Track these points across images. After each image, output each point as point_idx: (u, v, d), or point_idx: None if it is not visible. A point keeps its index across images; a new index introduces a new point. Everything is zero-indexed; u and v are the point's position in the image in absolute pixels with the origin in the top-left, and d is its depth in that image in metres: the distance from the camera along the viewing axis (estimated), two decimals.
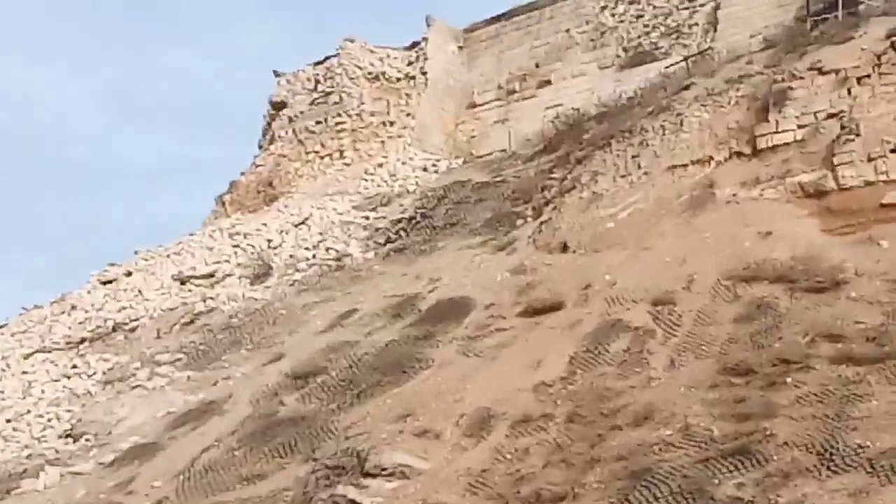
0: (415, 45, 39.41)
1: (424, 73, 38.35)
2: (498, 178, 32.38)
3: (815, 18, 29.80)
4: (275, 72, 40.89)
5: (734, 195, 23.87)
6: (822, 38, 26.68)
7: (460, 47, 39.50)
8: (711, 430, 17.59)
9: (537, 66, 37.52)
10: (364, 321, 25.89)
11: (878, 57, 24.07)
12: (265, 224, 34.62)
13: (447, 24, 39.86)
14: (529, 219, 27.85)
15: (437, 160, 36.47)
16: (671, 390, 19.08)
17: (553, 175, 28.98)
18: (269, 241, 33.36)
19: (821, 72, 24.58)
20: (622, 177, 26.18)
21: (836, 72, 24.34)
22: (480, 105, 38.49)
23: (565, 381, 20.43)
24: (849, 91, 23.94)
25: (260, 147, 40.66)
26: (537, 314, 22.96)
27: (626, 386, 19.65)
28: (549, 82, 37.05)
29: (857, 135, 22.84)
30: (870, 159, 22.50)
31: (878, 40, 24.62)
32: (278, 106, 40.07)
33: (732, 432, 17.35)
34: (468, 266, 26.72)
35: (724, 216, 23.47)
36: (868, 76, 23.96)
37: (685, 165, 25.34)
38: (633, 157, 26.37)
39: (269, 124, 40.54)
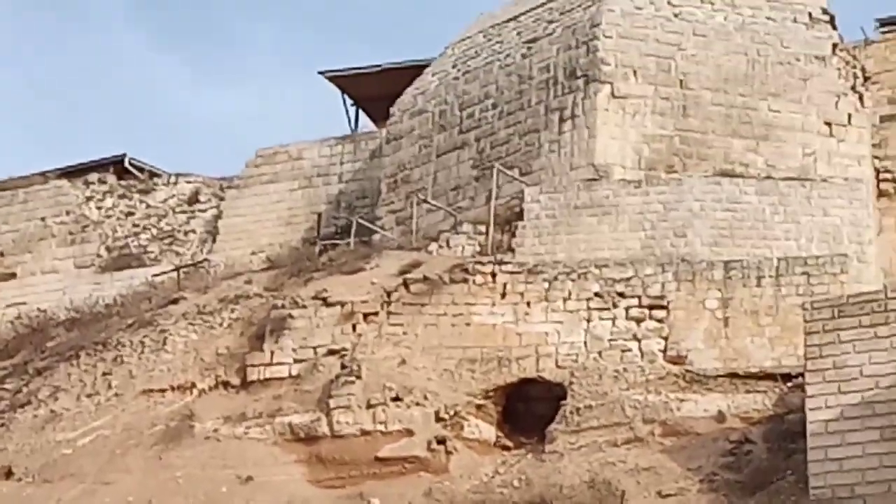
0: None
1: None
2: None
3: (326, 243, 31.00)
4: None
5: (216, 430, 23.93)
6: (330, 265, 27.59)
7: None
8: None
9: (2, 255, 36.78)
10: None
11: (389, 294, 25.09)
12: None
13: None
14: None
15: None
16: None
17: (5, 386, 28.09)
18: None
19: (326, 302, 25.28)
20: (88, 396, 25.82)
21: (343, 304, 25.15)
22: None
23: None
24: (354, 327, 24.78)
25: None
26: None
27: None
28: (14, 275, 36.34)
29: (359, 377, 23.54)
30: (369, 406, 23.19)
31: (390, 276, 25.75)
32: None
33: None
34: None
35: (201, 454, 23.43)
36: (376, 313, 24.91)
37: (164, 391, 25.29)
38: (105, 374, 26.12)
39: None
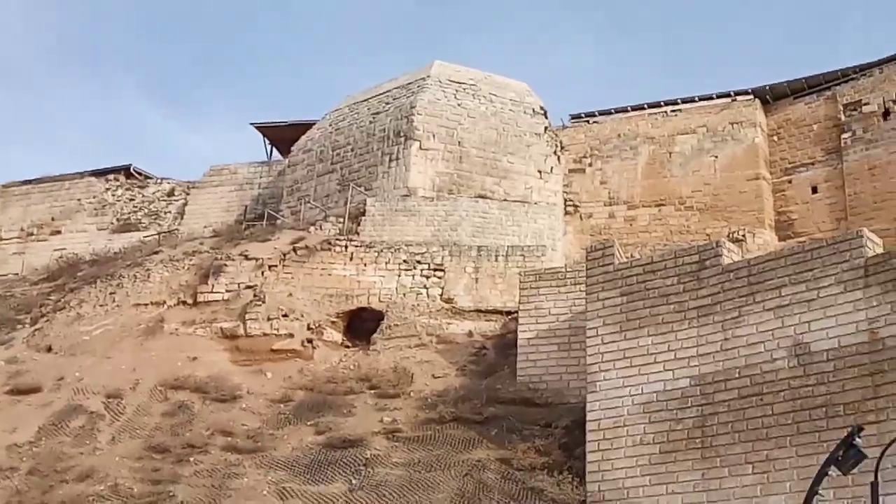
0: None
1: None
2: (8, 294, 29.83)
3: (248, 223, 30.56)
4: None
5: (177, 330, 23.36)
6: (251, 235, 27.13)
7: None
8: (132, 489, 16.94)
9: (53, 219, 35.58)
10: None
11: (284, 255, 24.78)
12: None
13: None
14: (27, 325, 25.66)
15: None
16: (109, 459, 18.22)
17: (50, 297, 27.13)
18: None
19: (246, 258, 24.86)
20: (101, 306, 25.02)
21: (257, 259, 24.74)
22: (5, 239, 35.79)
23: (32, 445, 18.97)
24: (262, 273, 24.38)
25: None
26: (21, 394, 21.14)
27: (77, 452, 18.54)
28: (59, 232, 35.18)
29: (263, 302, 23.24)
30: (268, 319, 22.88)
31: (286, 243, 25.42)
32: None
33: (147, 492, 16.80)
34: None
35: (167, 343, 22.85)
36: (276, 265, 24.55)
37: (146, 304, 24.58)
38: (111, 293, 25.35)
39: None
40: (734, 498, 13.99)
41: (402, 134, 28.92)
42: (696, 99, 32.69)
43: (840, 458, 8.96)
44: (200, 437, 18.66)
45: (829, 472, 9.19)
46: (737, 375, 14.68)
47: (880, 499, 12.34)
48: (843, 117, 30.19)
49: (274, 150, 36.62)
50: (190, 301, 24.40)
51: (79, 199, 35.63)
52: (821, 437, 13.44)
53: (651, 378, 15.47)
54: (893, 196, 28.26)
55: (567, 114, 34.42)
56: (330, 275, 24.42)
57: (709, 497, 14.24)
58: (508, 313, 22.73)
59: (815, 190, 30.32)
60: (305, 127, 33.22)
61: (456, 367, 21.07)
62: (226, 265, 24.76)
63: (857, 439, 8.86)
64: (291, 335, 22.62)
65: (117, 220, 34.94)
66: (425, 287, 24.20)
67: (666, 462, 14.80)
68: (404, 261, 24.59)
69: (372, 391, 20.20)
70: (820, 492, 9.37)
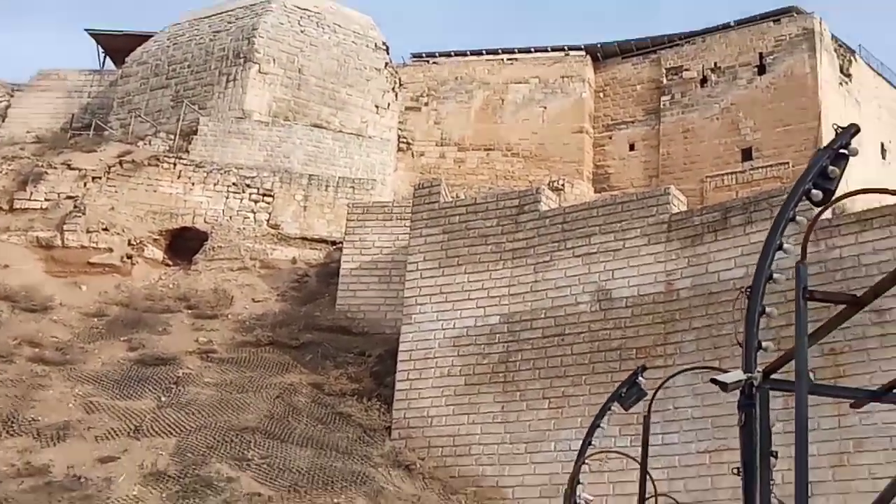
0: None
1: None
2: None
3: (75, 132, 28.87)
4: None
5: None
6: (76, 145, 25.73)
7: None
8: None
9: None
10: None
11: (110, 167, 23.66)
12: None
13: None
14: None
15: None
16: None
17: None
18: None
19: (69, 167, 23.58)
20: None
21: (80, 170, 23.50)
22: None
23: None
24: (85, 184, 23.20)
25: None
26: None
27: None
28: None
29: (83, 214, 22.13)
30: (88, 231, 21.83)
31: (112, 156, 24.26)
32: None
33: None
34: None
35: None
36: (100, 177, 23.42)
37: None
38: None
39: None
40: (529, 430, 14.42)
41: (241, 55, 27.89)
42: (532, 50, 33.02)
43: (623, 395, 9.28)
44: (6, 346, 17.60)
45: (612, 408, 9.51)
46: (543, 316, 15.03)
47: (660, 437, 13.05)
48: (664, 80, 31.19)
49: (108, 59, 34.61)
50: (6, 207, 22.94)
51: None
52: (612, 377, 13.96)
53: (464, 314, 15.66)
54: (702, 158, 29.53)
55: (408, 52, 34.21)
56: (155, 191, 23.49)
57: (507, 428, 14.62)
58: (334, 243, 22.53)
59: (632, 147, 31.32)
60: (143, 38, 31.53)
61: (277, 292, 20.72)
62: (47, 173, 23.38)
63: (640, 378, 9.17)
64: (111, 250, 21.65)
65: None
66: (253, 211, 23.64)
67: (470, 394, 15.06)
68: (233, 183, 23.90)
69: (189, 311, 19.60)
70: (603, 426, 9.70)
